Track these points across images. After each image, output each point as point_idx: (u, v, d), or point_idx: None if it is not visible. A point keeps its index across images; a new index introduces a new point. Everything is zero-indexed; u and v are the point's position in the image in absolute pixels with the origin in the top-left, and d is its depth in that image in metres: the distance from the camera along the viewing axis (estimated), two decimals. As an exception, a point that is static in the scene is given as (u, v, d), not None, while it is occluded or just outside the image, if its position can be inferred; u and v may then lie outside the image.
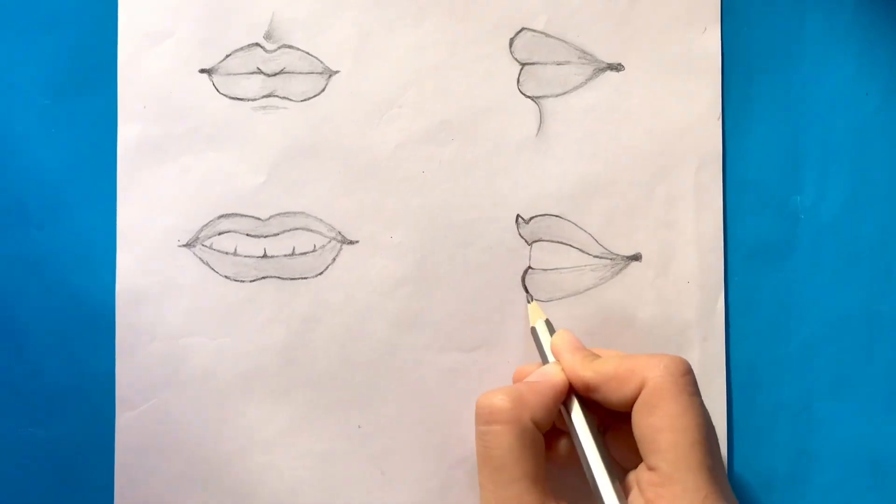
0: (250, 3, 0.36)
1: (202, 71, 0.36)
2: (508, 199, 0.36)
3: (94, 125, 0.36)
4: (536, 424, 0.30)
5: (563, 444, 0.33)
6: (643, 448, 0.30)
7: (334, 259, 0.36)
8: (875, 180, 0.36)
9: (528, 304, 0.35)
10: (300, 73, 0.36)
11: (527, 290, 0.35)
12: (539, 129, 0.36)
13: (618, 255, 0.36)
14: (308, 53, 0.36)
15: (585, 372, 0.31)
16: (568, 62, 0.36)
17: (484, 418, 0.30)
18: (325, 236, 0.36)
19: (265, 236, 0.36)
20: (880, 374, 0.36)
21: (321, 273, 0.36)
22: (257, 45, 0.36)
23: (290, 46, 0.36)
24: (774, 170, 0.36)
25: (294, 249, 0.36)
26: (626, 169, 0.36)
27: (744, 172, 0.36)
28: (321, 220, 0.36)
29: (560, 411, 0.32)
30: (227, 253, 0.36)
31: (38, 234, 0.36)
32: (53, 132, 0.36)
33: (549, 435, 0.32)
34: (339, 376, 0.36)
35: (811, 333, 0.36)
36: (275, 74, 0.36)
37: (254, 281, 0.36)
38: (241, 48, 0.36)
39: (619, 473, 0.31)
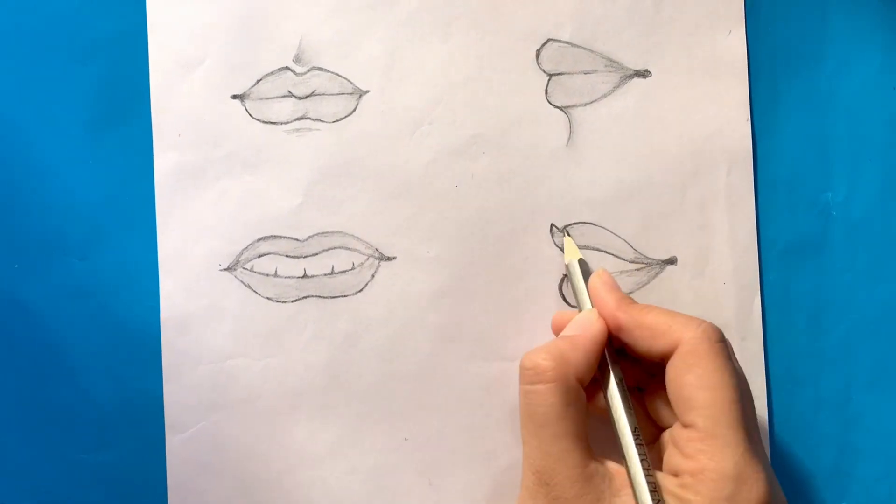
0: (278, 28, 0.37)
1: (234, 97, 0.37)
2: (542, 208, 0.36)
3: (131, 155, 0.37)
4: (579, 381, 0.31)
5: (600, 397, 0.33)
6: (679, 405, 0.30)
7: (373, 276, 0.36)
8: (905, 173, 0.36)
9: (565, 238, 0.36)
10: (331, 94, 0.37)
11: (558, 229, 0.36)
12: (569, 139, 0.36)
13: (653, 259, 0.36)
14: (338, 75, 0.37)
15: (620, 313, 0.32)
16: (595, 71, 0.36)
17: (528, 378, 0.31)
18: (363, 254, 0.36)
19: (304, 256, 0.37)
20: (919, 366, 0.36)
21: (361, 290, 0.36)
22: (287, 68, 0.37)
23: (320, 68, 0.37)
24: (805, 168, 0.36)
25: (333, 268, 0.37)
26: (658, 174, 0.36)
27: (774, 171, 0.36)
28: (358, 237, 0.36)
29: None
30: (267, 275, 0.37)
31: (81, 265, 0.37)
32: (91, 163, 0.37)
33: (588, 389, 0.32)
34: (383, 390, 0.36)
35: (848, 328, 0.36)
36: (306, 97, 0.37)
37: (295, 301, 0.37)
38: (272, 72, 0.37)
39: (653, 432, 0.32)
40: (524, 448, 0.31)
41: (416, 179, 0.36)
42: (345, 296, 0.37)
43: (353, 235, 0.37)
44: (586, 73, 0.36)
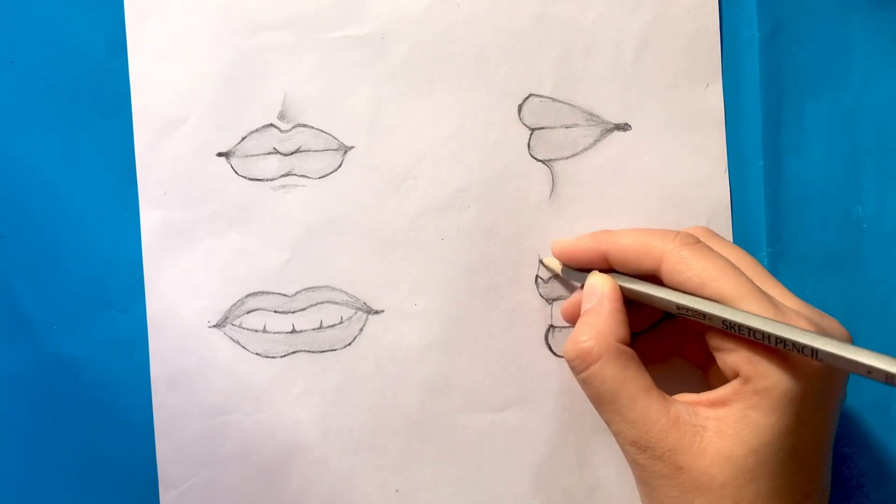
0: (263, 85, 0.37)
1: (220, 154, 0.37)
2: (527, 260, 0.37)
3: (118, 214, 0.37)
4: (622, 341, 0.31)
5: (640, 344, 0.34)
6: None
7: (361, 329, 0.37)
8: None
9: (544, 259, 0.37)
10: (316, 150, 0.37)
11: (543, 276, 0.37)
12: (552, 192, 0.37)
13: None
14: (322, 131, 0.37)
15: (602, 245, 0.33)
16: (576, 125, 0.37)
17: (578, 367, 0.31)
18: (351, 308, 0.37)
19: (293, 312, 0.37)
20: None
21: (349, 344, 0.37)
22: (272, 125, 0.37)
23: (305, 125, 0.37)
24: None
25: (321, 323, 0.37)
26: (639, 225, 0.37)
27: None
28: (346, 292, 0.37)
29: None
30: (256, 331, 0.37)
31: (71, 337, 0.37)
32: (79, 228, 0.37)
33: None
34: (374, 443, 0.37)
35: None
36: (291, 153, 0.37)
37: (284, 356, 0.37)
38: (257, 129, 0.37)
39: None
40: (611, 429, 0.31)
41: (402, 233, 0.37)
42: (334, 350, 0.37)
43: (340, 290, 0.37)
44: (567, 127, 0.37)
